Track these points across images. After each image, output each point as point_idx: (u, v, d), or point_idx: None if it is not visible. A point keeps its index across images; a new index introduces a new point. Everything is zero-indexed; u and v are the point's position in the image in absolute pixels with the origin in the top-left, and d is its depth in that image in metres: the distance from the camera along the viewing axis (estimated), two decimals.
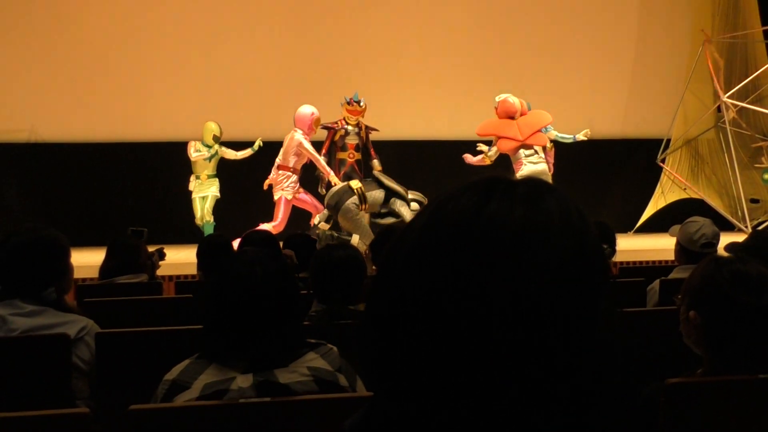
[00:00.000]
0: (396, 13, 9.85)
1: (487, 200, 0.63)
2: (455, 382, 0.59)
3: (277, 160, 7.95)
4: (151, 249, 4.31)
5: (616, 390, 0.64)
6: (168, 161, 9.27)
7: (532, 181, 0.66)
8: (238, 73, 9.52)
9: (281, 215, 7.90)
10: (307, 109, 7.91)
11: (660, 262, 6.81)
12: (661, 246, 7.46)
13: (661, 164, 10.12)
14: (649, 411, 1.64)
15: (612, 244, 4.16)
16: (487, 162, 8.27)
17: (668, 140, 10.11)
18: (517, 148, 8.06)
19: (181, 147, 9.24)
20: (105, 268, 4.04)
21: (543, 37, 10.07)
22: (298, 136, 7.82)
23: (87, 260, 6.19)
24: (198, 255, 4.19)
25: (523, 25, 10.05)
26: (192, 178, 8.42)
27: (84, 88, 9.25)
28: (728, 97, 9.77)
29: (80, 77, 9.25)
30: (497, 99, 8.31)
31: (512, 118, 8.17)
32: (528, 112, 8.26)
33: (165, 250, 4.53)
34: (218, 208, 8.41)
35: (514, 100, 8.20)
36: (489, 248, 0.61)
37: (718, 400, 1.66)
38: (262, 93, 9.21)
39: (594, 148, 10.17)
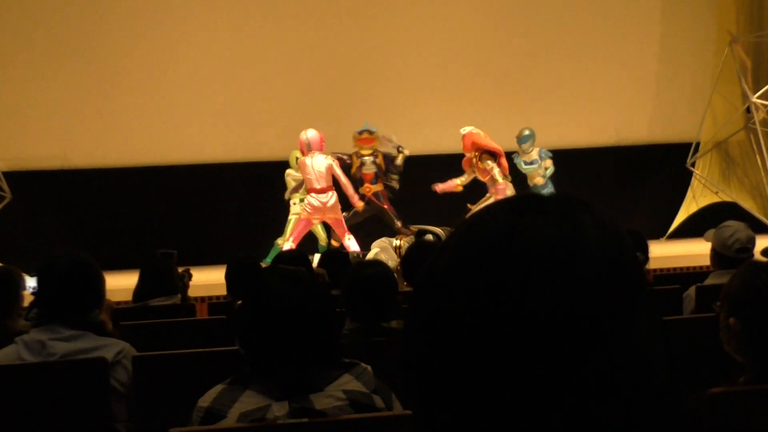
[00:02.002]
0: (412, 27, 9.82)
1: (521, 216, 0.63)
2: (496, 397, 0.59)
3: (317, 185, 7.77)
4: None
5: (662, 400, 0.64)
6: (197, 183, 9.37)
7: (563, 196, 0.67)
8: (266, 95, 9.59)
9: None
10: (316, 132, 7.84)
11: (695, 268, 6.70)
12: (695, 251, 7.34)
13: (691, 168, 9.99)
14: (692, 421, 1.62)
15: (645, 252, 4.12)
16: (459, 189, 8.15)
17: (697, 143, 9.98)
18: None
19: (209, 169, 9.36)
20: (138, 291, 4.08)
21: (564, 42, 10.01)
22: (330, 159, 7.81)
23: (120, 283, 6.26)
24: (227, 277, 4.18)
25: (544, 31, 10.01)
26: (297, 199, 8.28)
27: (113, 114, 9.41)
28: (758, 98, 9.63)
29: (110, 104, 9.41)
30: (463, 131, 8.11)
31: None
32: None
33: (192, 272, 4.54)
34: (260, 233, 8.40)
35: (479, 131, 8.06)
36: (525, 263, 0.61)
37: (763, 408, 1.63)
38: (286, 114, 9.31)
39: (621, 154, 10.08)
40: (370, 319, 2.59)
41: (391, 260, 7.41)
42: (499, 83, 9.89)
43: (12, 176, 8.90)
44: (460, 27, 9.87)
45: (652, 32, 10.34)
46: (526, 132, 8.48)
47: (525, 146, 8.44)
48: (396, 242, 7.61)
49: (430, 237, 7.40)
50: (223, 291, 5.29)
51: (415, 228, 7.71)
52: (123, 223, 9.20)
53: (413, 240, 7.53)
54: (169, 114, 9.49)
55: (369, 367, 1.74)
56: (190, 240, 8.68)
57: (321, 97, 9.49)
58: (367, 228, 8.19)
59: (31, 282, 4.64)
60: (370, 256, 7.45)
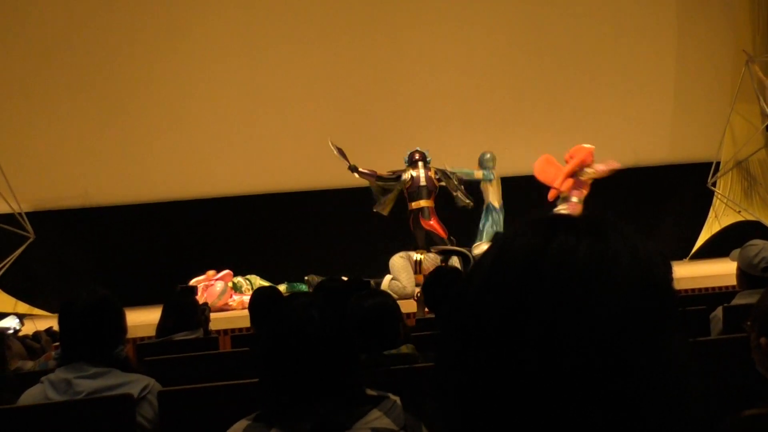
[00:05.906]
0: (430, 52, 9.89)
1: (552, 236, 0.64)
2: (529, 415, 0.59)
3: None
4: None
5: (696, 422, 0.63)
6: (215, 217, 9.44)
7: (593, 216, 0.67)
8: (284, 128, 9.68)
9: None
10: None
11: (720, 288, 6.62)
12: (720, 272, 7.26)
13: (712, 188, 9.90)
14: None
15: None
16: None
17: (718, 163, 9.91)
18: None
19: (228, 202, 9.43)
20: (161, 326, 4.10)
21: (581, 64, 10.03)
22: None
23: (143, 319, 6.30)
24: (250, 309, 4.22)
25: (561, 54, 10.03)
26: None
27: (132, 152, 9.53)
28: None
29: (128, 141, 9.54)
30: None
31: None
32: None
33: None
34: (282, 264, 8.41)
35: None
36: (558, 282, 0.61)
37: None
38: (306, 146, 9.37)
39: (641, 175, 10.03)
40: (374, 349, 2.59)
41: (409, 285, 7.37)
42: (517, 106, 9.90)
43: (35, 216, 9.02)
44: (478, 52, 9.93)
45: (669, 53, 10.34)
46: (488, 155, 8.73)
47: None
48: (416, 257, 7.60)
49: (455, 258, 7.38)
50: (245, 323, 5.30)
51: (436, 249, 7.70)
52: (144, 259, 9.26)
53: (434, 257, 7.52)
54: (187, 149, 9.59)
55: (398, 400, 1.65)
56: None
57: (340, 128, 9.54)
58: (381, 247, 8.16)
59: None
60: (385, 282, 7.42)
